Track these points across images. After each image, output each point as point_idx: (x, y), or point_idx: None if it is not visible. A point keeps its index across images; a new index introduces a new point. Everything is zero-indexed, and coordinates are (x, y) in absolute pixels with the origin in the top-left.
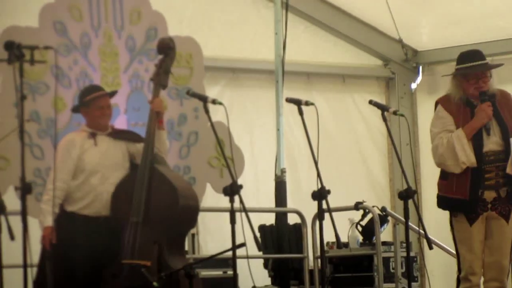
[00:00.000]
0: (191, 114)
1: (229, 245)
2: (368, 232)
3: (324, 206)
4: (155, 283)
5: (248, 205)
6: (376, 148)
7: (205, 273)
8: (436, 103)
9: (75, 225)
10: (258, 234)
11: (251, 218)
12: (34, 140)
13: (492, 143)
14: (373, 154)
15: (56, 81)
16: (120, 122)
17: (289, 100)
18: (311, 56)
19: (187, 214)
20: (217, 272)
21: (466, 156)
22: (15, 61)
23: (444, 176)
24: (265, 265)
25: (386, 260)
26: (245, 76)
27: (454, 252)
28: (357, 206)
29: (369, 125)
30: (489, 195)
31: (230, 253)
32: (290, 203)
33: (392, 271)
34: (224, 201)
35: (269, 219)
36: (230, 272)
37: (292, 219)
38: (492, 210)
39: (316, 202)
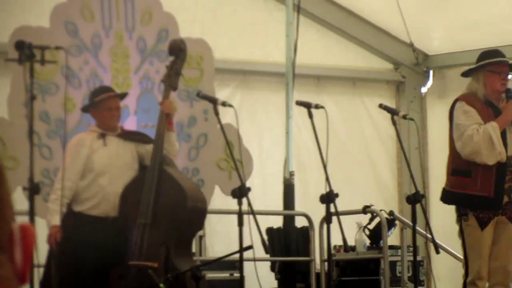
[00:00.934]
0: (200, 116)
1: (236, 247)
2: (376, 236)
3: (332, 209)
4: (162, 285)
5: (255, 207)
6: (385, 152)
7: (211, 275)
8: (456, 100)
9: (82, 225)
10: (265, 237)
11: (258, 221)
12: (43, 141)
13: (509, 146)
14: (382, 158)
15: (66, 81)
16: (129, 123)
17: (299, 103)
18: (322, 59)
19: (195, 216)
20: (224, 275)
21: (501, 147)
22: (25, 61)
23: (465, 172)
24: (272, 268)
25: (392, 264)
26: (256, 79)
27: (460, 256)
28: (365, 209)
29: (378, 129)
30: (503, 199)
31: (237, 256)
32: (298, 206)
33: (398, 275)
34: (231, 203)
35: (277, 222)
36: (236, 275)
37: (300, 222)
38: (502, 215)
39: (324, 206)
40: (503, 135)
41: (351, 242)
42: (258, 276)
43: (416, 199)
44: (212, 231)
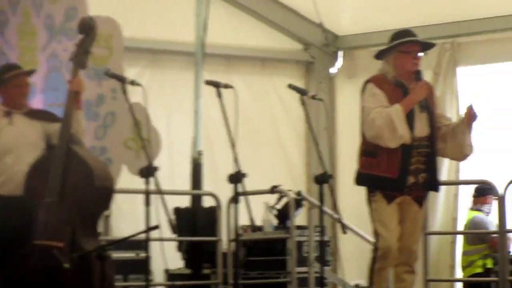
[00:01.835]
0: (109, 94)
1: (142, 227)
2: (283, 216)
3: (240, 189)
4: (66, 265)
5: (163, 187)
6: (294, 132)
7: (117, 255)
8: (366, 82)
9: None
10: (172, 217)
11: (166, 201)
12: None
13: (416, 128)
14: (291, 138)
15: None
16: (36, 102)
17: (208, 83)
18: (232, 38)
19: (102, 195)
20: (130, 254)
21: (404, 130)
22: None
23: (372, 153)
24: (179, 248)
25: (299, 244)
26: (165, 58)
27: (367, 237)
28: (273, 189)
29: (287, 109)
30: (409, 180)
31: (143, 235)
32: (206, 186)
33: (305, 255)
34: (138, 183)
35: (184, 202)
36: (143, 255)
37: (208, 202)
38: (408, 195)
39: (232, 185)
40: (411, 116)
41: (258, 222)
42: (165, 256)
43: (323, 180)
44: (118, 211)
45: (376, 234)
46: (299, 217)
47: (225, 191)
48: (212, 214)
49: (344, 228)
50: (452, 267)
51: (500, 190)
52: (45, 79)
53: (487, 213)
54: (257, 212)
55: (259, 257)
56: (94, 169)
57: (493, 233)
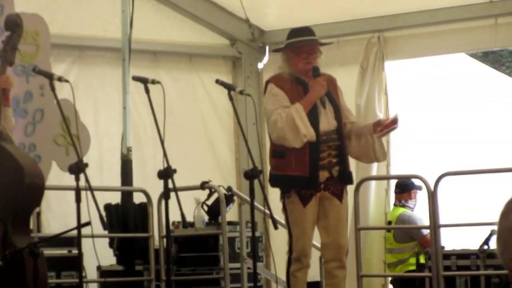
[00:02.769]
0: (37, 91)
1: (72, 224)
2: (214, 211)
3: (170, 185)
4: None
5: (93, 183)
6: (222, 127)
7: (49, 252)
8: (267, 82)
9: None
10: (103, 213)
11: (96, 197)
12: None
13: (324, 122)
14: (219, 134)
15: None
16: None
17: (136, 79)
18: (158, 34)
19: (32, 192)
20: (62, 251)
21: (306, 129)
22: None
23: (280, 154)
24: (110, 244)
25: (231, 240)
26: (92, 54)
27: None
28: (203, 185)
29: (215, 105)
30: (322, 175)
31: (75, 232)
32: (136, 182)
33: (237, 251)
34: (68, 180)
35: (115, 198)
36: (75, 251)
37: (138, 198)
38: (325, 190)
39: (162, 181)
40: (314, 111)
41: (189, 218)
42: (97, 253)
43: (253, 175)
44: (48, 208)
45: (290, 236)
46: (230, 213)
47: (155, 187)
48: (143, 210)
49: (275, 223)
50: (385, 262)
51: (431, 185)
52: None
53: (412, 209)
54: (188, 208)
55: (191, 253)
56: (24, 166)
57: (425, 228)
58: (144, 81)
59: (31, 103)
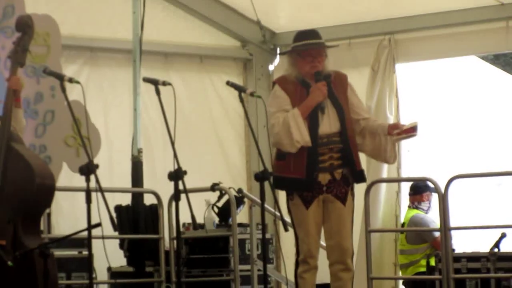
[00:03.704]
0: (47, 92)
1: (82, 225)
2: (224, 213)
3: (181, 187)
4: (9, 263)
5: (103, 185)
6: (233, 129)
7: (60, 253)
8: (273, 83)
9: None
10: (114, 215)
11: (107, 198)
12: None
13: (325, 125)
14: (230, 136)
15: None
16: None
17: (146, 80)
18: (169, 36)
19: (43, 193)
20: (72, 252)
21: (301, 135)
22: None
23: (281, 156)
24: (121, 246)
25: (242, 242)
26: (103, 55)
27: None
28: (214, 187)
29: (226, 106)
30: (324, 177)
31: (85, 233)
32: (146, 184)
33: (247, 252)
34: (78, 181)
35: (125, 200)
36: (85, 252)
37: (148, 199)
38: (327, 193)
39: (172, 183)
40: (315, 114)
41: (200, 219)
42: (107, 254)
43: (264, 177)
44: (59, 209)
45: (297, 238)
46: (241, 215)
47: (166, 189)
48: (153, 212)
49: (286, 225)
50: (396, 265)
51: (442, 187)
52: None
53: (426, 211)
54: (198, 210)
55: (202, 255)
56: (35, 167)
57: (435, 230)
58: (155, 82)
59: (41, 104)
